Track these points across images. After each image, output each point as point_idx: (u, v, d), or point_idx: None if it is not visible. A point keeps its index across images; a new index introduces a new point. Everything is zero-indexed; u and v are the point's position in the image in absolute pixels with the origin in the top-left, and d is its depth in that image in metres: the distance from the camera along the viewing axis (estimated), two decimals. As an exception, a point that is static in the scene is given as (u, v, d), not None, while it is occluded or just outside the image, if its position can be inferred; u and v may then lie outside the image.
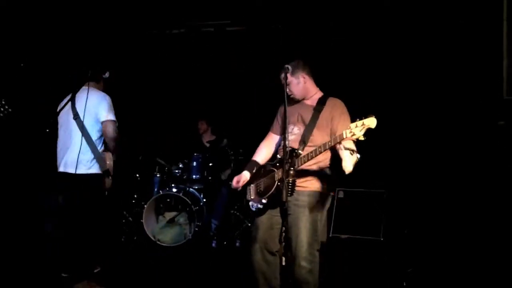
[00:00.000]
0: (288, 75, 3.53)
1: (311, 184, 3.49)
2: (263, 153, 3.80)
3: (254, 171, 3.72)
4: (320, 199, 3.50)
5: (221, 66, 6.57)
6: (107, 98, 4.14)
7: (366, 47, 5.91)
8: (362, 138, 3.05)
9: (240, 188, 3.69)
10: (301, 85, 3.60)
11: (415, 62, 5.74)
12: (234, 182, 3.71)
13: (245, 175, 3.71)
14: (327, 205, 3.60)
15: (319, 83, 3.73)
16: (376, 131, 5.73)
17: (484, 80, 5.38)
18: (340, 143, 3.22)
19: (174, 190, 5.81)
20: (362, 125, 3.02)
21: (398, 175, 5.77)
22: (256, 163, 3.76)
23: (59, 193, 4.12)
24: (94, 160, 4.02)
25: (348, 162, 3.20)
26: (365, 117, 3.04)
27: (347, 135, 3.09)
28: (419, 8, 5.30)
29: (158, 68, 6.70)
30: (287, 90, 3.51)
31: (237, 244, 5.77)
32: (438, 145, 5.65)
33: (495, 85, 5.18)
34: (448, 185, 5.51)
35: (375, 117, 3.02)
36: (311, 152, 3.31)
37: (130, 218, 5.94)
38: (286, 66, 3.54)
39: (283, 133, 3.49)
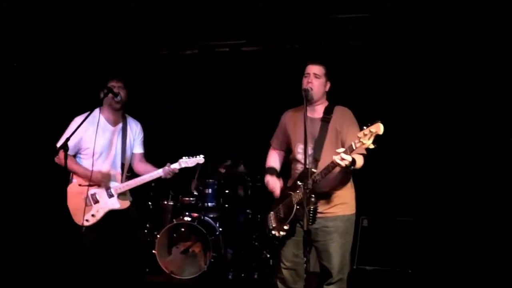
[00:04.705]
0: (324, 70, 3.57)
1: (338, 209, 3.51)
2: (276, 161, 3.82)
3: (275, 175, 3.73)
4: (347, 222, 3.57)
5: (236, 87, 6.50)
6: None
7: (388, 68, 5.84)
8: (372, 147, 3.00)
9: (279, 195, 3.63)
10: (323, 88, 3.60)
11: (440, 88, 5.67)
12: (276, 193, 3.64)
13: (275, 180, 3.65)
14: (353, 228, 3.64)
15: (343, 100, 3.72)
16: (404, 158, 5.69)
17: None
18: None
19: (188, 218, 5.61)
20: (369, 132, 2.97)
21: (426, 202, 5.71)
22: (274, 169, 3.77)
23: None
24: None
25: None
26: (371, 124, 3.00)
27: (356, 146, 3.07)
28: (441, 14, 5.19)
29: (171, 90, 6.65)
30: (310, 81, 3.51)
31: (255, 276, 5.60)
32: (467, 171, 5.56)
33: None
34: (479, 212, 5.43)
35: (382, 123, 2.94)
36: (324, 169, 3.27)
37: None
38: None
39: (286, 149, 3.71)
